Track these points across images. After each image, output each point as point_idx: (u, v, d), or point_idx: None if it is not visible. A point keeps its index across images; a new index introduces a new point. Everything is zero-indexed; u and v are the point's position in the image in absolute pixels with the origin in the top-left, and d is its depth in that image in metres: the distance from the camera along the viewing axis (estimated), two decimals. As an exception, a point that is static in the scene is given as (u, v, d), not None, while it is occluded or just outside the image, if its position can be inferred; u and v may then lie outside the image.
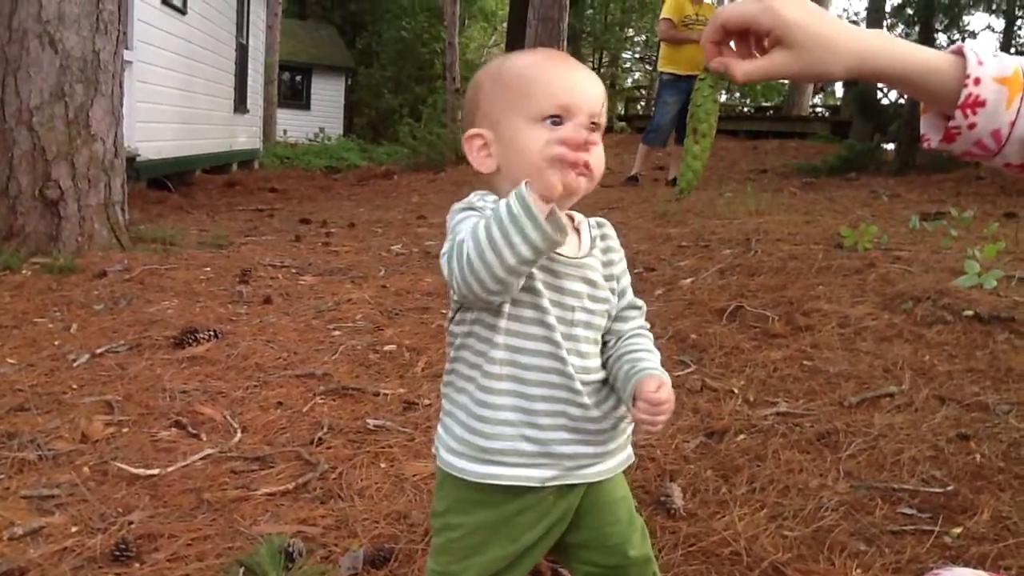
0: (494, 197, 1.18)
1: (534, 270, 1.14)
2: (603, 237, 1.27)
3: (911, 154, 9.07)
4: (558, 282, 1.18)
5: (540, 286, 1.16)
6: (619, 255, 1.28)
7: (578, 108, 1.15)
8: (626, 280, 1.29)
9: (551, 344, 1.17)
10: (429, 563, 1.28)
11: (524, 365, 1.17)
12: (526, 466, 1.18)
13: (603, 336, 1.25)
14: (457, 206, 1.18)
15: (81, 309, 3.64)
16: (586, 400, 1.19)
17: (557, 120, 1.15)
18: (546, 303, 1.16)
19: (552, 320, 1.17)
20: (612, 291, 1.25)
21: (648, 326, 1.30)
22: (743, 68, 1.08)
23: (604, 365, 1.24)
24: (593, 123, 1.16)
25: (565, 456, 1.20)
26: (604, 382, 1.23)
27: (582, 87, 1.17)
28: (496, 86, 1.20)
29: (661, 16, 8.56)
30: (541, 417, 1.18)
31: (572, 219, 1.25)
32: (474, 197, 1.20)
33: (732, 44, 1.11)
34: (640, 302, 1.30)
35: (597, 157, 1.15)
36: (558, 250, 1.14)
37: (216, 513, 1.99)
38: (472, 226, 1.06)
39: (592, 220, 1.28)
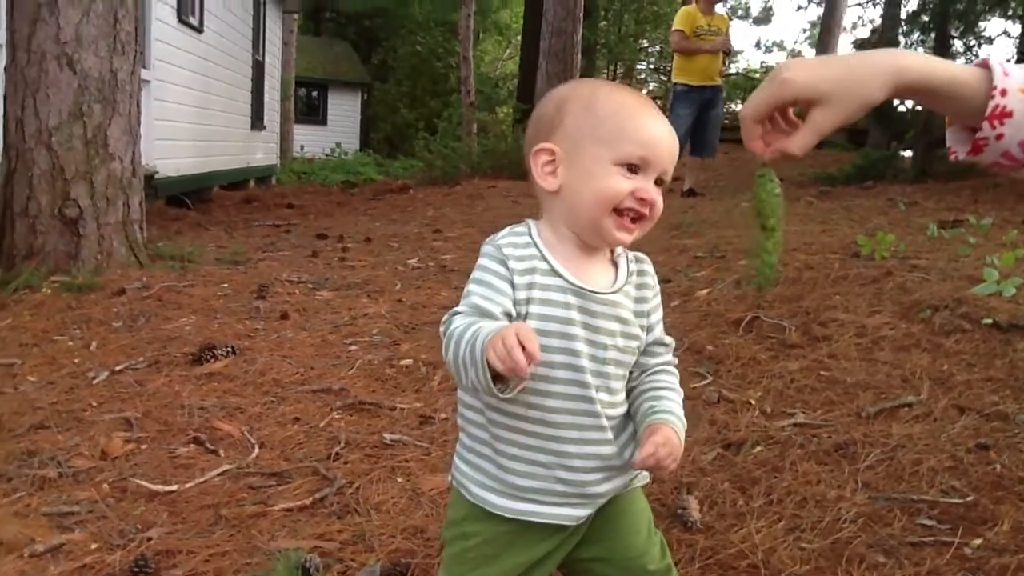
0: (527, 239, 1.20)
1: (570, 311, 1.16)
2: (640, 273, 1.26)
3: (928, 161, 9.03)
4: (593, 321, 1.17)
5: (578, 329, 1.16)
6: (653, 292, 1.27)
7: (655, 163, 1.17)
8: (658, 316, 1.27)
9: (580, 386, 1.17)
10: (441, 574, 1.29)
11: (552, 408, 1.17)
12: (560, 505, 1.20)
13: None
14: (489, 248, 1.19)
15: (100, 327, 3.67)
16: (611, 436, 1.20)
17: (635, 169, 1.16)
18: (580, 345, 1.16)
19: (584, 362, 1.16)
20: (642, 327, 1.23)
21: (675, 362, 1.29)
22: (795, 143, 1.11)
23: (627, 395, 1.25)
24: (660, 179, 1.18)
25: (599, 495, 1.22)
26: (625, 414, 1.24)
27: (664, 143, 1.18)
28: (587, 113, 1.18)
29: (673, 28, 8.58)
30: (574, 459, 1.18)
31: (612, 252, 1.26)
32: (506, 237, 1.20)
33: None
34: (669, 339, 1.28)
35: (656, 210, 1.18)
36: (592, 287, 1.17)
37: (234, 529, 2.00)
38: (460, 330, 1.10)
39: (631, 254, 1.27)
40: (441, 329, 1.15)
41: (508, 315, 1.14)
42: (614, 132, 1.16)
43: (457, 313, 1.15)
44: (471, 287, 1.17)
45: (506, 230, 1.21)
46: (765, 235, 1.15)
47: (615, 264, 1.25)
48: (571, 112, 1.20)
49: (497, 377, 1.06)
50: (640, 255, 1.29)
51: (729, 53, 8.88)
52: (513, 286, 1.15)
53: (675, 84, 8.61)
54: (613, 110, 1.18)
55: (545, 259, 1.18)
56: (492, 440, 1.20)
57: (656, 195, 1.17)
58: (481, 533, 1.22)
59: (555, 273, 1.17)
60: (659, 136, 1.17)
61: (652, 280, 1.27)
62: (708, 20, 8.26)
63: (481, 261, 1.18)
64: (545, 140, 1.20)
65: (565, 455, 1.17)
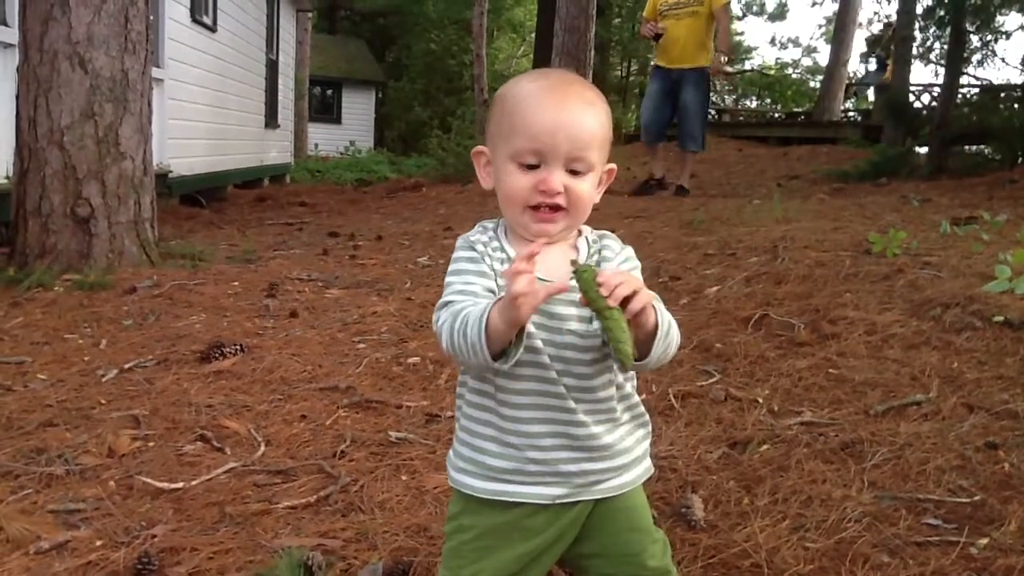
0: (491, 233, 1.26)
1: None
2: (600, 250, 1.26)
3: (943, 158, 8.97)
4: (547, 307, 1.16)
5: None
6: (614, 264, 1.24)
7: (551, 152, 1.16)
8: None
9: (539, 367, 1.18)
10: (441, 571, 1.30)
11: (517, 390, 1.19)
12: (533, 484, 1.21)
13: None
14: (460, 242, 1.25)
15: (111, 325, 3.70)
16: (584, 419, 1.20)
17: (534, 166, 1.17)
18: (530, 327, 1.15)
19: (538, 343, 1.18)
20: None
21: None
22: None
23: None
24: (573, 170, 1.17)
25: (573, 474, 1.22)
26: (608, 399, 1.23)
27: (560, 130, 1.15)
28: (500, 111, 1.21)
29: None
30: (543, 439, 1.20)
31: (578, 232, 1.27)
32: (476, 232, 1.26)
33: None
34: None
35: (574, 198, 1.18)
36: (545, 276, 1.13)
37: (238, 527, 2.01)
38: (448, 322, 1.13)
39: (594, 234, 1.28)
40: (434, 328, 1.18)
41: (491, 292, 1.18)
42: (509, 127, 1.18)
43: (444, 307, 1.17)
44: (449, 279, 1.21)
45: (477, 225, 1.28)
46: (604, 318, 1.09)
47: (576, 248, 1.25)
48: (494, 111, 1.24)
49: (497, 355, 1.10)
50: (604, 232, 1.29)
51: (722, 37, 8.70)
52: (492, 269, 1.20)
53: None
54: (515, 103, 1.19)
55: (503, 249, 1.22)
56: (470, 423, 1.24)
57: (564, 183, 1.16)
58: (476, 526, 1.24)
59: (510, 261, 1.20)
60: (550, 124, 1.15)
61: (612, 252, 1.26)
62: None
63: (455, 255, 1.24)
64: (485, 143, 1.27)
65: (533, 435, 1.19)
